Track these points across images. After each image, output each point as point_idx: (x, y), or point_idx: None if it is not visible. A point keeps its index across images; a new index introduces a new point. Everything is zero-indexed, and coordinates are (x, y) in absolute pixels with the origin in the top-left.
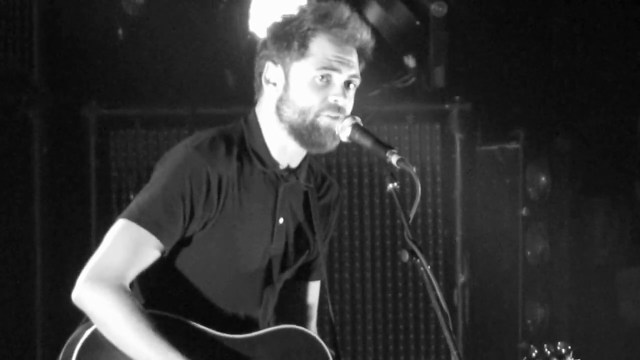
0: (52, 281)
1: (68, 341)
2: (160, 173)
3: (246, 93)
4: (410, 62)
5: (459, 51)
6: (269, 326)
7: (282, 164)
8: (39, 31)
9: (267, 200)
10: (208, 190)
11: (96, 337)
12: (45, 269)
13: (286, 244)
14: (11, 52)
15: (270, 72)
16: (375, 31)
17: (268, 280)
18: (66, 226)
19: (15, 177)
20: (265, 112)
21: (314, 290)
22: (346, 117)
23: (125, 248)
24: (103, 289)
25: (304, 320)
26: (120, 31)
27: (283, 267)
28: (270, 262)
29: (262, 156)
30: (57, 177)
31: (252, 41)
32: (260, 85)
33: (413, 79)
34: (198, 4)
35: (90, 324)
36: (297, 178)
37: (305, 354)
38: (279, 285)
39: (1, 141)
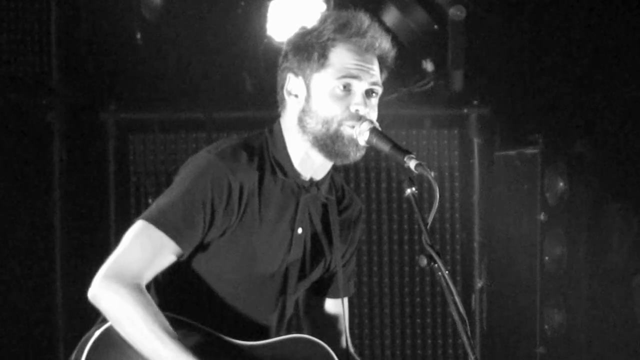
0: (72, 283)
1: (81, 340)
2: (182, 178)
3: (263, 97)
4: (428, 66)
5: (478, 55)
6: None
7: (305, 176)
8: (58, 35)
9: (287, 210)
10: (229, 198)
11: (107, 336)
12: (65, 272)
13: (304, 253)
14: (30, 56)
15: (292, 84)
16: (393, 35)
17: (284, 288)
18: (85, 229)
19: (34, 181)
20: (288, 124)
21: (339, 305)
22: (364, 121)
23: (143, 249)
24: (119, 287)
25: (334, 336)
26: (138, 35)
27: (300, 277)
28: (287, 270)
29: (284, 166)
30: (76, 181)
31: (269, 45)
32: (283, 98)
33: (431, 84)
34: (216, 8)
35: (103, 324)
36: (319, 189)
37: None
38: (295, 296)
39: (20, 145)
